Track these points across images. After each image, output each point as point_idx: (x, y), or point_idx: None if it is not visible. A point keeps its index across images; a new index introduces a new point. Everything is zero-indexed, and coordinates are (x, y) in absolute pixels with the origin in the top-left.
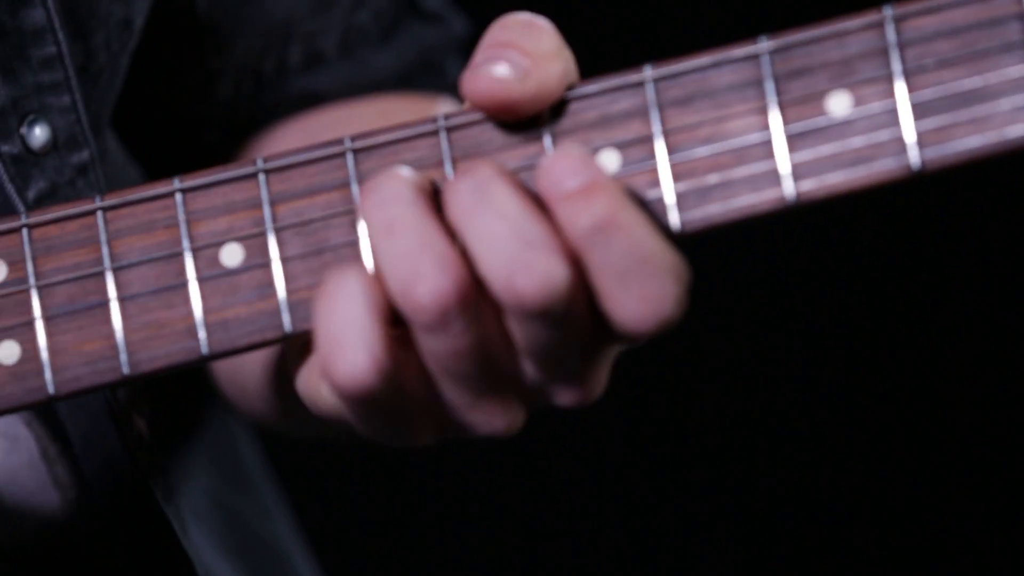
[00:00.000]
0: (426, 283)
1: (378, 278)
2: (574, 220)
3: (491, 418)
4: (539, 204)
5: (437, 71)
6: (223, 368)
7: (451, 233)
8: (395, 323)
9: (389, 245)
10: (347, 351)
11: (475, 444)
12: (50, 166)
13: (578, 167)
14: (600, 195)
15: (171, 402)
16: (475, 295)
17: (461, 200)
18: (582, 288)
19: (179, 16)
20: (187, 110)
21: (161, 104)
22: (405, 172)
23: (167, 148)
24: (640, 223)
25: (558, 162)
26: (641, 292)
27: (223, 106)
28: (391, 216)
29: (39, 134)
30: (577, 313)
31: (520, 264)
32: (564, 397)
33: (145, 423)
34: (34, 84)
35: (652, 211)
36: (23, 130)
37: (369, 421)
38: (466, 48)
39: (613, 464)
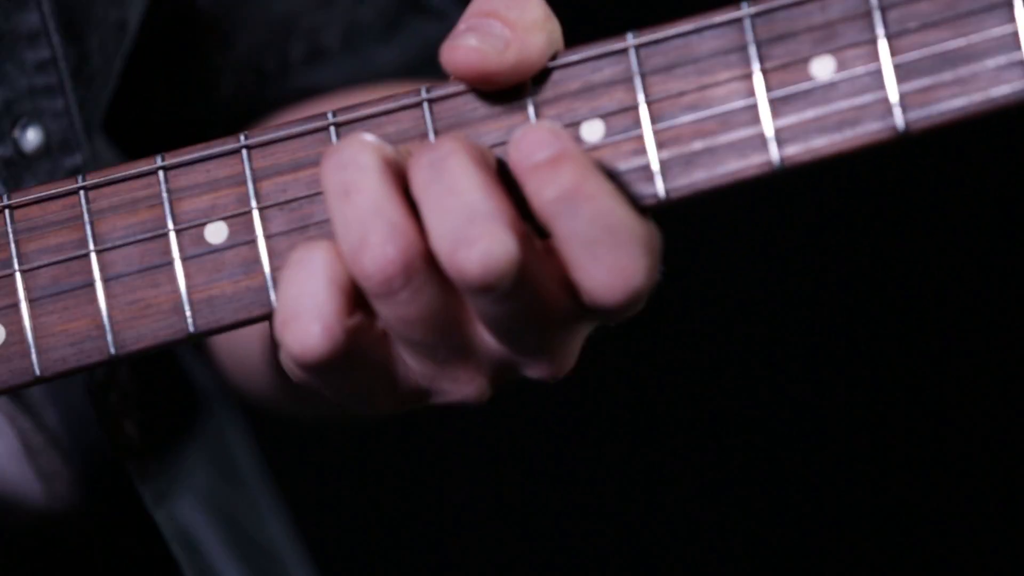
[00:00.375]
0: (372, 250)
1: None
2: (541, 191)
3: (457, 385)
4: (506, 181)
5: (439, 66)
6: (223, 345)
7: (413, 205)
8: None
9: (342, 209)
10: (300, 321)
11: (473, 440)
12: (42, 170)
13: (547, 139)
14: (567, 165)
15: (162, 404)
16: (423, 266)
17: (419, 173)
18: (538, 266)
19: (180, 15)
20: (189, 108)
21: (162, 103)
22: (369, 138)
23: (168, 148)
24: (607, 193)
25: (527, 135)
26: (610, 262)
27: (225, 103)
28: (347, 180)
29: (32, 137)
30: (531, 290)
31: (464, 239)
32: (531, 370)
33: (136, 427)
34: (28, 87)
35: (622, 183)
36: (16, 133)
37: (329, 388)
38: None
39: (613, 462)
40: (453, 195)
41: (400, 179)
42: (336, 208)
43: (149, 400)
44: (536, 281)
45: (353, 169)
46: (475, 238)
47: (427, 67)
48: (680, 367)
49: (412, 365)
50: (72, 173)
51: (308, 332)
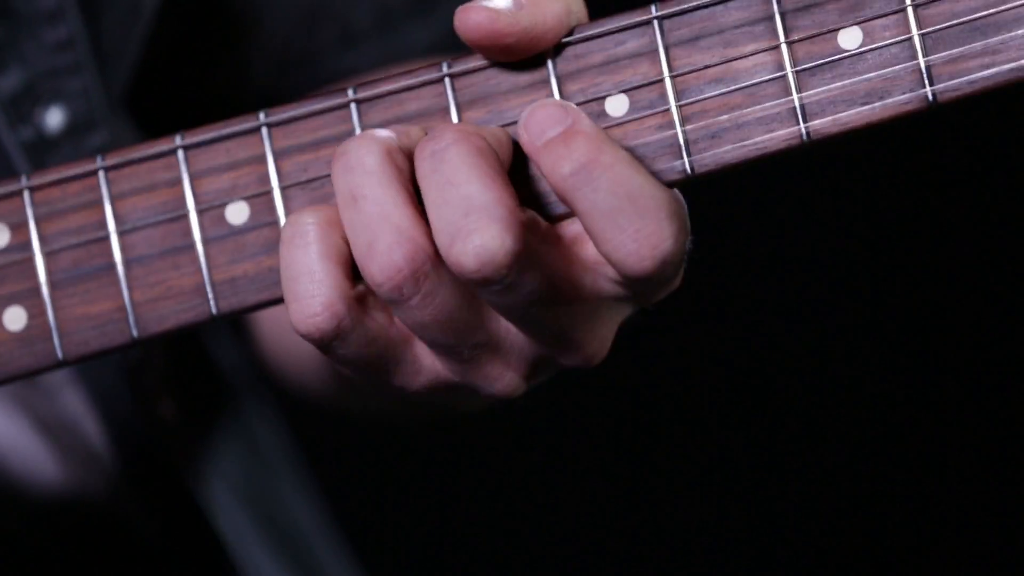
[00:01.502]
0: (380, 257)
1: (336, 220)
2: (556, 167)
3: (488, 381)
4: (511, 169)
5: None
6: (271, 335)
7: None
8: None
9: (351, 214)
10: (301, 303)
11: (502, 427)
12: (65, 152)
13: (557, 115)
14: (579, 138)
15: (194, 387)
16: (433, 270)
17: (421, 164)
18: (546, 252)
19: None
20: (219, 91)
21: (192, 86)
22: (379, 135)
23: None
24: (624, 161)
25: (535, 113)
26: (634, 230)
27: (255, 86)
28: (353, 184)
29: (54, 118)
30: (541, 276)
31: (460, 232)
32: (563, 359)
33: (172, 408)
34: (49, 67)
35: (648, 158)
36: (37, 114)
37: (345, 367)
38: None
39: (625, 461)
40: (451, 186)
41: (409, 172)
42: (345, 213)
43: (184, 382)
44: (546, 267)
45: (359, 172)
46: (470, 231)
47: (460, 45)
48: (681, 365)
49: (441, 362)
50: (94, 153)
51: (310, 311)
